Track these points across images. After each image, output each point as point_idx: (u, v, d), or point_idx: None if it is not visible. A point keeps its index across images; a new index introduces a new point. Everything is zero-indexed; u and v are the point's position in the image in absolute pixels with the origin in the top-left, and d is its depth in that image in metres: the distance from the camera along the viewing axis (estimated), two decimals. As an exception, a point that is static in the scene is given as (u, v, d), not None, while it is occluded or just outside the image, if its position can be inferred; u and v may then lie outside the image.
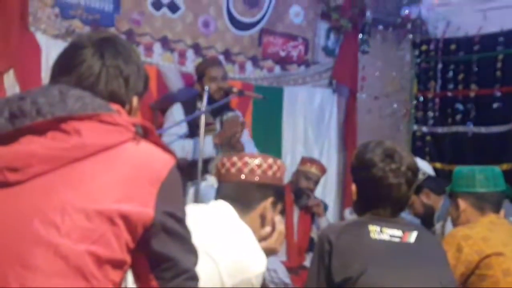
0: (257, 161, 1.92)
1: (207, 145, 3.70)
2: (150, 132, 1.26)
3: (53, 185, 1.14)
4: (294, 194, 4.37)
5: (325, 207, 4.57)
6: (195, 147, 3.66)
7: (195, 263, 1.28)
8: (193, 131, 3.74)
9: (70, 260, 1.10)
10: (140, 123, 1.25)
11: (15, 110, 1.16)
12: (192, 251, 1.28)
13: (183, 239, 1.26)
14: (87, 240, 1.11)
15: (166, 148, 1.27)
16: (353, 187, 2.06)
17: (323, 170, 4.46)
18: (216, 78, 3.87)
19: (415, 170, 1.99)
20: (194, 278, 1.27)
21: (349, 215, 4.46)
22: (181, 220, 1.25)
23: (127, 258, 1.18)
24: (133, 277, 1.27)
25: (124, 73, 1.30)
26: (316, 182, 4.43)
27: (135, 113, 1.35)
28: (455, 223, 2.63)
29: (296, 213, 4.38)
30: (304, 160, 4.49)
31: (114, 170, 1.17)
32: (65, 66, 1.29)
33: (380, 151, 1.97)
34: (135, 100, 1.35)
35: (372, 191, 1.99)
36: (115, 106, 1.25)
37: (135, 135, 1.22)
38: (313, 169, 4.39)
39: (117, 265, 1.16)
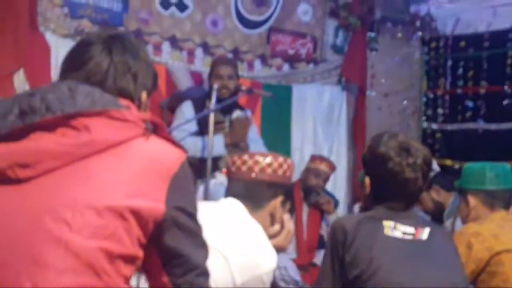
0: (267, 159, 1.93)
1: (217, 143, 3.70)
2: (160, 127, 1.26)
3: (63, 182, 1.14)
4: (303, 192, 4.37)
5: (336, 203, 4.57)
6: (206, 145, 3.66)
7: (206, 257, 1.29)
8: (202, 130, 3.74)
9: (81, 257, 1.10)
10: (149, 119, 1.25)
11: (24, 107, 1.16)
12: (203, 246, 1.29)
13: (194, 234, 1.26)
14: (98, 237, 1.12)
15: (176, 144, 1.27)
16: (367, 180, 2.03)
17: (332, 168, 4.46)
18: (222, 76, 3.86)
19: (430, 162, 1.96)
20: (205, 274, 1.28)
21: (357, 210, 4.46)
22: (192, 215, 1.26)
23: (139, 253, 1.19)
24: (145, 273, 1.28)
25: (133, 70, 1.31)
26: (326, 180, 4.43)
27: (145, 109, 1.35)
28: (464, 220, 2.61)
29: (305, 211, 4.38)
30: (314, 158, 4.49)
31: (124, 166, 1.18)
32: (74, 63, 1.30)
33: (395, 145, 1.93)
34: (144, 96, 1.35)
35: (387, 185, 1.95)
36: (124, 102, 1.25)
37: (145, 130, 1.22)
38: (323, 167, 4.38)
39: (129, 260, 1.17)
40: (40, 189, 1.14)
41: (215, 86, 3.65)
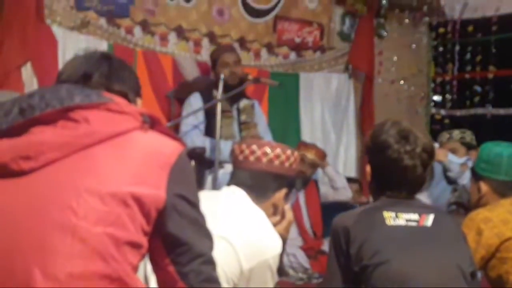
0: (276, 151, 1.92)
1: (225, 149, 3.67)
2: (157, 122, 1.29)
3: (66, 171, 1.16)
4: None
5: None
6: (214, 147, 3.63)
7: (210, 247, 1.30)
8: (210, 119, 3.75)
9: (88, 242, 1.12)
10: (147, 113, 1.28)
11: (24, 106, 1.19)
12: (206, 235, 1.30)
13: (197, 222, 1.27)
14: (103, 223, 1.14)
15: (174, 136, 1.30)
16: (368, 168, 2.03)
17: (320, 155, 4.29)
18: (229, 63, 3.87)
19: (430, 151, 1.95)
20: (211, 262, 1.29)
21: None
22: (193, 204, 1.27)
23: (143, 241, 1.20)
24: (151, 264, 1.29)
25: (130, 77, 1.43)
26: (312, 166, 4.29)
27: None
28: (474, 205, 2.59)
29: (301, 196, 4.32)
30: (299, 145, 4.36)
31: (124, 156, 1.20)
32: (73, 75, 1.37)
33: (395, 132, 1.92)
34: (139, 102, 1.44)
35: (387, 173, 1.95)
36: (121, 100, 1.28)
37: (142, 123, 1.25)
38: (308, 153, 4.27)
39: (135, 247, 1.18)
40: (43, 180, 1.16)
41: (222, 75, 3.65)
